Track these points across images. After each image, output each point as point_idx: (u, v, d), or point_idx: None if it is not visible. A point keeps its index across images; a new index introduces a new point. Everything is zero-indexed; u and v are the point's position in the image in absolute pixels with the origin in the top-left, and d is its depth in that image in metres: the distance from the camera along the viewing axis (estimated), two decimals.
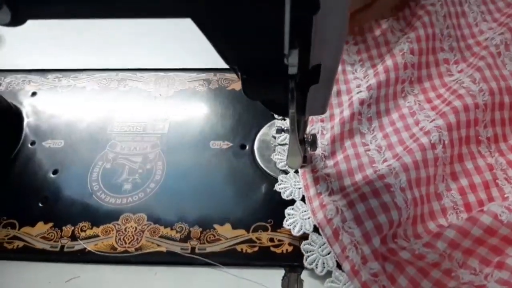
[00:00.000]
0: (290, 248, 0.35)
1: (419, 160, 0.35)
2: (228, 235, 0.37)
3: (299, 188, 0.38)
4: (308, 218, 0.36)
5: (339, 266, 0.33)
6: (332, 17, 0.23)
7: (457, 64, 0.45)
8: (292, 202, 0.38)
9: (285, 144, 0.41)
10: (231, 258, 0.35)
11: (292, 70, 0.25)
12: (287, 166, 0.39)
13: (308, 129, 0.41)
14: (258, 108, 0.44)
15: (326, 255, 0.34)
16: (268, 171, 0.40)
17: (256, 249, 0.36)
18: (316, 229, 0.35)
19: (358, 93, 0.41)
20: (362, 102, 0.41)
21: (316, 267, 0.33)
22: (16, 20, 0.21)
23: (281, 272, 0.35)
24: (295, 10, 0.20)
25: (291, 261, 0.35)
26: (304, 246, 0.34)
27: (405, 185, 0.34)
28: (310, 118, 0.42)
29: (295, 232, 0.36)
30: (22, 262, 0.37)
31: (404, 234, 0.33)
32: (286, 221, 0.36)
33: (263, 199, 0.39)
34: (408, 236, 0.33)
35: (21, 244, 0.38)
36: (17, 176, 0.42)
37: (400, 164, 0.35)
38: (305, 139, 0.36)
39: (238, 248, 0.36)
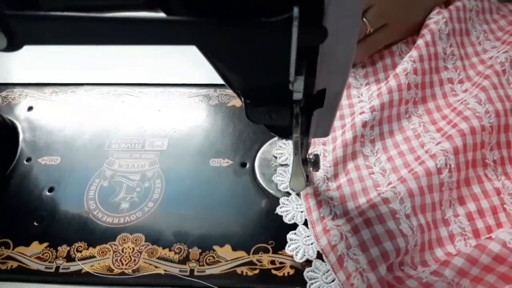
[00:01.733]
0: (292, 271, 0.35)
1: (424, 186, 0.35)
2: (228, 257, 0.36)
3: (301, 212, 0.37)
4: (311, 243, 0.35)
5: None
6: (340, 46, 0.22)
7: (462, 84, 0.45)
8: (294, 225, 0.37)
9: (286, 164, 0.41)
10: (231, 281, 0.35)
11: (297, 96, 0.24)
12: (289, 188, 0.39)
13: (310, 150, 0.41)
14: (259, 126, 0.44)
15: (330, 282, 0.33)
16: (269, 190, 0.40)
17: (256, 271, 0.35)
18: (319, 255, 0.34)
19: (360, 114, 0.41)
20: (364, 124, 0.40)
21: None
22: (13, 46, 0.21)
23: None
24: (302, 39, 0.19)
25: (293, 285, 0.34)
26: (307, 273, 0.34)
27: (410, 211, 0.33)
28: (312, 140, 0.42)
29: (298, 258, 0.35)
30: (16, 283, 0.36)
31: (411, 262, 0.33)
32: (289, 246, 0.36)
33: (264, 220, 0.38)
34: (415, 263, 0.33)
35: (15, 264, 0.37)
36: (12, 193, 0.41)
37: (406, 189, 0.34)
38: (308, 160, 0.36)
39: (238, 270, 0.35)
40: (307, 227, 0.36)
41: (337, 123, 0.43)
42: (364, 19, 0.44)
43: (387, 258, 0.31)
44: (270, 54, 0.22)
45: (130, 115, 0.46)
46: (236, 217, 0.38)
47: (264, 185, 0.40)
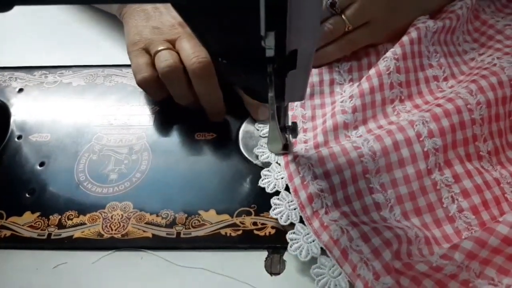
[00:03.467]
0: (272, 231, 0.37)
1: (416, 189, 0.36)
2: (212, 220, 0.38)
3: (282, 178, 0.39)
4: (295, 209, 0.36)
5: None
6: (307, 3, 0.24)
7: (447, 81, 0.45)
8: (277, 193, 0.38)
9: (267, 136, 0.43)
10: (215, 242, 0.37)
11: (269, 53, 0.26)
12: (269, 157, 0.41)
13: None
14: (241, 101, 0.46)
15: (337, 276, 0.33)
16: (252, 160, 0.42)
17: (240, 232, 0.37)
18: (323, 251, 0.34)
19: (342, 113, 0.41)
20: (346, 126, 0.41)
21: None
22: (4, 6, 0.22)
23: (264, 254, 0.36)
24: None
25: (274, 243, 0.36)
26: (314, 270, 0.34)
27: (400, 218, 0.35)
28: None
29: (283, 221, 0.36)
30: (9, 250, 0.37)
31: (420, 253, 0.33)
32: (273, 210, 0.37)
33: (246, 187, 0.40)
34: (424, 255, 0.33)
35: (8, 233, 0.38)
36: (4, 168, 0.43)
37: (396, 196, 0.36)
38: (286, 126, 0.38)
39: (223, 232, 0.37)
40: (289, 192, 0.38)
41: (319, 120, 0.43)
42: (343, 16, 0.43)
43: (389, 244, 0.31)
44: (242, 11, 0.24)
45: (117, 94, 0.48)
46: (220, 184, 0.40)
47: (246, 155, 0.42)
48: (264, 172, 0.40)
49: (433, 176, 0.37)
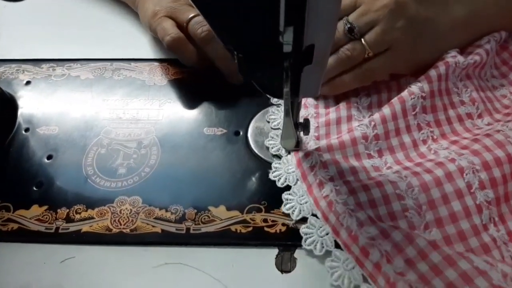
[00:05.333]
0: (283, 228, 0.36)
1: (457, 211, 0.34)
2: (222, 216, 0.37)
3: (293, 172, 0.39)
4: (306, 202, 0.37)
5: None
6: None
7: (482, 118, 0.41)
8: (287, 187, 0.38)
9: (278, 129, 0.42)
10: (225, 238, 0.36)
11: (287, 48, 0.26)
12: (280, 149, 0.41)
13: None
14: (252, 96, 0.45)
15: (351, 269, 0.33)
16: (262, 156, 0.41)
17: (250, 229, 0.36)
18: (337, 245, 0.34)
19: (363, 138, 0.39)
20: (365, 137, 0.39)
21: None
22: None
23: (274, 251, 0.35)
24: None
25: (285, 240, 0.36)
26: (328, 263, 0.34)
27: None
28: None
29: (295, 216, 0.36)
30: (17, 244, 0.37)
31: None
32: (285, 205, 0.37)
33: (257, 183, 0.40)
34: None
35: (15, 226, 0.38)
36: (12, 161, 0.42)
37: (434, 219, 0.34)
38: (299, 123, 0.37)
39: (233, 228, 0.37)
40: (301, 187, 0.38)
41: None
42: (362, 41, 0.40)
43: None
44: (261, 4, 0.23)
45: (126, 88, 0.48)
46: (230, 180, 0.40)
47: (256, 151, 0.42)
48: (275, 164, 0.40)
49: (490, 232, 0.34)
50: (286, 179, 0.39)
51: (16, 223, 0.38)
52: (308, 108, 0.44)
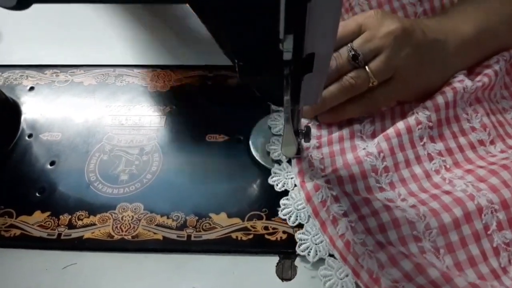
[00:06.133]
0: (284, 236, 0.36)
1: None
2: (223, 224, 0.37)
3: (291, 178, 0.39)
4: (303, 208, 0.37)
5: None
6: (327, 6, 0.24)
7: (494, 144, 0.40)
8: (287, 193, 0.38)
9: (280, 135, 0.42)
10: (226, 245, 0.36)
11: (287, 56, 0.26)
12: (281, 155, 0.41)
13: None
14: (254, 104, 0.45)
15: (344, 278, 0.33)
16: (263, 163, 0.41)
17: (251, 236, 0.36)
18: (338, 254, 0.34)
19: (373, 170, 0.38)
20: (375, 171, 0.38)
21: None
22: (22, 4, 0.22)
23: (275, 259, 0.35)
24: None
25: (285, 248, 0.36)
26: (321, 272, 0.34)
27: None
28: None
29: (291, 222, 0.37)
30: (19, 250, 0.37)
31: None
32: (281, 211, 0.37)
33: (258, 190, 0.40)
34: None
35: (18, 232, 0.38)
36: (15, 167, 0.43)
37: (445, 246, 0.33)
38: (299, 131, 0.37)
39: (233, 235, 0.37)
40: (298, 193, 0.38)
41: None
42: (367, 68, 0.38)
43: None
44: (261, 12, 0.24)
45: (128, 94, 0.48)
46: (231, 188, 0.40)
47: (258, 158, 0.42)
48: (274, 169, 0.40)
49: (511, 275, 0.33)
50: (284, 184, 0.39)
51: (19, 229, 0.38)
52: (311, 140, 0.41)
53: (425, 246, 0.33)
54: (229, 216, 0.38)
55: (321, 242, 0.35)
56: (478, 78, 0.41)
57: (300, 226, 0.36)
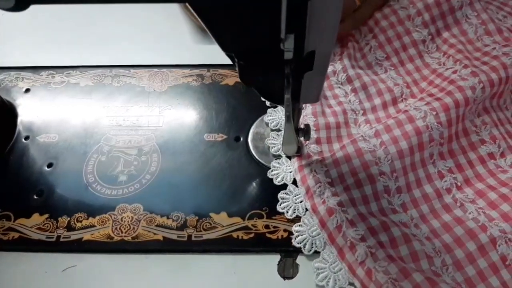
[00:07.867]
0: (285, 234, 0.36)
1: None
2: (224, 223, 0.37)
3: (290, 172, 0.39)
4: (301, 201, 0.37)
5: None
6: (327, 5, 0.24)
7: (504, 157, 0.39)
8: (285, 186, 0.39)
9: (278, 129, 0.43)
10: (227, 245, 0.36)
11: (288, 55, 0.26)
12: (281, 151, 0.41)
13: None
14: (251, 102, 0.45)
15: (337, 272, 0.34)
16: (262, 162, 0.41)
17: (252, 235, 0.36)
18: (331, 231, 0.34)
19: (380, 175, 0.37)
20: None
21: None
22: (20, 5, 0.22)
23: (277, 257, 0.35)
24: None
25: (287, 247, 0.36)
26: (315, 264, 0.34)
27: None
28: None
29: (289, 215, 0.37)
30: (18, 253, 0.37)
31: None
32: (280, 204, 0.38)
33: (258, 189, 0.40)
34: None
35: (16, 235, 0.38)
36: (12, 169, 0.42)
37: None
38: (299, 129, 0.37)
39: (234, 235, 0.36)
40: (297, 186, 0.38)
41: (332, 132, 0.41)
42: None
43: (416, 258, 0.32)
44: (262, 12, 0.23)
45: (125, 95, 0.48)
46: (231, 187, 0.40)
47: (257, 157, 0.42)
48: (274, 163, 0.40)
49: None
50: (283, 177, 0.39)
51: (17, 232, 0.38)
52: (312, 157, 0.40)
53: (446, 280, 0.32)
54: (230, 215, 0.38)
55: (318, 235, 0.35)
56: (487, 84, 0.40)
57: (298, 218, 0.37)
